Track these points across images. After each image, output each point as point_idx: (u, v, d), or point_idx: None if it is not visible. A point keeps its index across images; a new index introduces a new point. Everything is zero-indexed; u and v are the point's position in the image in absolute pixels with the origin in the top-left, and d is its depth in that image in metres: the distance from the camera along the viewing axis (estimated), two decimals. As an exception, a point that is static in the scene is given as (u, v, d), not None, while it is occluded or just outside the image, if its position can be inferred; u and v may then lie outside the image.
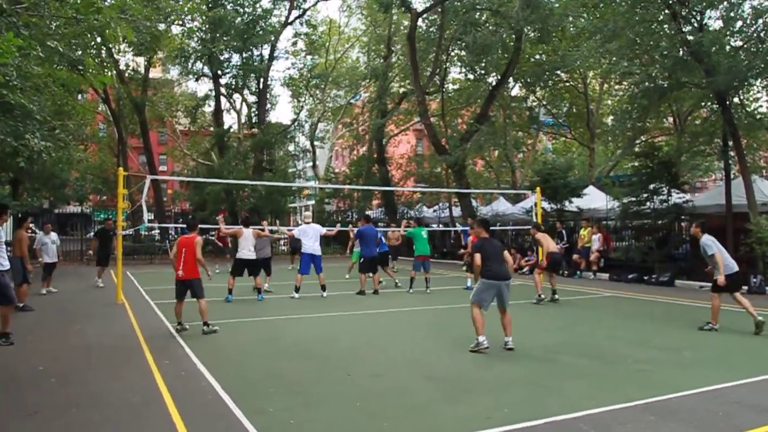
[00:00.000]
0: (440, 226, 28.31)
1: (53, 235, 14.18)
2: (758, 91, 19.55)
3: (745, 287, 14.27)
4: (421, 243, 14.57)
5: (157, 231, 29.81)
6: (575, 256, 18.77)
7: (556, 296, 12.48)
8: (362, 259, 14.07)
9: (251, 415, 4.94)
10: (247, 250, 12.54)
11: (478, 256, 7.62)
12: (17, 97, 10.39)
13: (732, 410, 5.09)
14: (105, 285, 15.23)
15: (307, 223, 13.67)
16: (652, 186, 17.55)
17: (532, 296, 12.46)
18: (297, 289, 12.94)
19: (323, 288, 13.21)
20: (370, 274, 13.98)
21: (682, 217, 17.79)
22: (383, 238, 16.62)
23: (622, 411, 5.08)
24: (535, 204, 17.57)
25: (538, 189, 18.03)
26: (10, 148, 11.60)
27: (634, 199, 17.92)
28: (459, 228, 21.92)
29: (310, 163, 41.40)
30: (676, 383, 5.90)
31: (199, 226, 9.60)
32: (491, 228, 8.28)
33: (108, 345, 7.98)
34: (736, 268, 9.07)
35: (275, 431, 4.65)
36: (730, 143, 16.64)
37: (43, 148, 11.51)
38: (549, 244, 12.73)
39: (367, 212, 29.95)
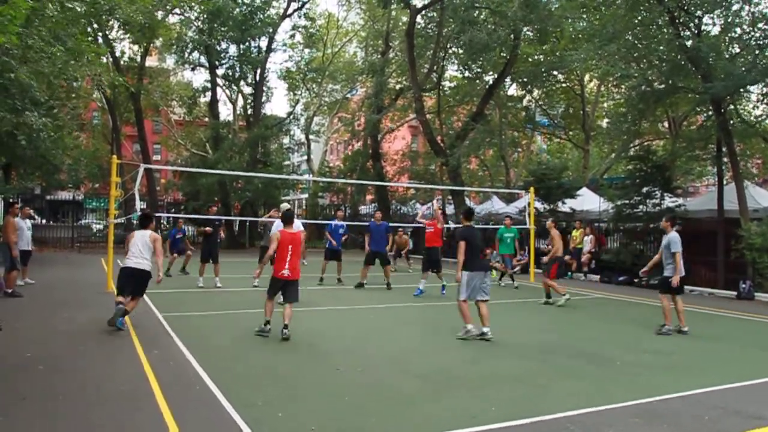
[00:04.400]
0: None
1: (28, 221, 12.95)
2: (757, 101, 19.55)
3: (734, 293, 14.41)
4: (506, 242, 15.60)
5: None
6: (567, 257, 18.80)
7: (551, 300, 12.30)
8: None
9: (239, 407, 4.92)
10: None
11: None
12: (16, 69, 10.14)
13: (717, 415, 5.12)
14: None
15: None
16: (645, 189, 17.61)
17: (520, 296, 12.46)
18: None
19: None
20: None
21: (675, 221, 17.84)
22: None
23: (609, 412, 5.11)
24: (529, 204, 17.61)
25: (531, 189, 18.08)
26: (10, 125, 11.46)
27: (627, 201, 17.97)
28: (452, 226, 21.94)
29: (305, 157, 41.32)
30: (663, 386, 5.93)
31: (191, 216, 9.39)
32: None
33: (97, 333, 7.94)
34: (684, 273, 9.14)
35: (263, 423, 4.63)
36: (724, 149, 16.71)
37: (42, 125, 11.37)
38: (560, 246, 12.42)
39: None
